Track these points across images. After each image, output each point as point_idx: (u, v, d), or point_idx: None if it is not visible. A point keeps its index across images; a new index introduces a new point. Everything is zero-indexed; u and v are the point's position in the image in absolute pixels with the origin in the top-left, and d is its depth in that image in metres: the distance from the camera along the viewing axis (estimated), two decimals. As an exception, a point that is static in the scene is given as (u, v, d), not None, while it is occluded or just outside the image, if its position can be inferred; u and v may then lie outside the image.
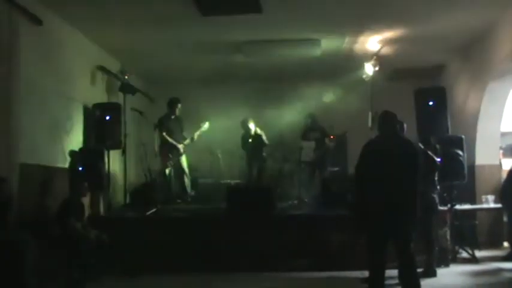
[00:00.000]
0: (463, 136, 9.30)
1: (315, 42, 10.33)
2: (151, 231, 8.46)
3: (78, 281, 7.06)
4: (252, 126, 11.36)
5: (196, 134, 10.73)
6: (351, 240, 8.00)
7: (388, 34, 9.90)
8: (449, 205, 8.73)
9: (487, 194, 9.76)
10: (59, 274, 7.05)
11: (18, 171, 7.19)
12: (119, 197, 10.52)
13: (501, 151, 11.11)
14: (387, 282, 5.90)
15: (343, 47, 10.71)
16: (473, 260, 8.60)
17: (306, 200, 10.61)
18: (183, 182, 10.77)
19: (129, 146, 10.20)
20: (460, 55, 11.18)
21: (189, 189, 10.88)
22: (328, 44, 10.43)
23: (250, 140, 11.33)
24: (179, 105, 10.76)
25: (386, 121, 6.13)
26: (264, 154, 11.47)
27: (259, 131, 11.46)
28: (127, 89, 10.16)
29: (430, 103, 9.29)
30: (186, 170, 10.82)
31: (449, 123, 9.29)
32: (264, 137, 11.46)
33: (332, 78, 11.94)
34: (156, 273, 7.84)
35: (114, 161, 9.68)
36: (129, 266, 7.88)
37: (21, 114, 7.33)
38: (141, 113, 10.24)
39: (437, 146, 8.19)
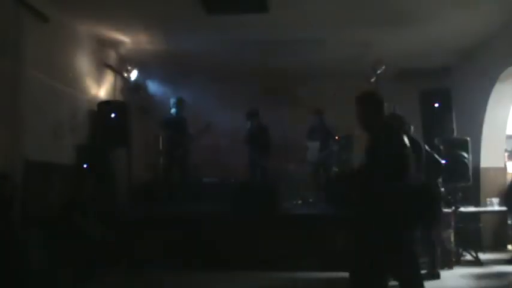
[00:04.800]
0: (468, 138, 9.27)
1: (321, 42, 10.33)
2: (155, 229, 8.47)
3: (81, 278, 7.07)
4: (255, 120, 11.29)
5: (202, 133, 10.75)
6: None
7: (394, 35, 9.88)
8: (453, 207, 8.71)
9: (491, 196, 9.72)
10: (63, 270, 7.06)
11: (23, 168, 7.20)
12: (124, 194, 10.54)
13: (506, 154, 11.08)
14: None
15: (349, 46, 10.71)
16: (477, 262, 8.57)
17: (310, 200, 10.61)
18: (187, 181, 10.77)
19: (135, 143, 10.23)
20: (466, 57, 11.15)
21: (193, 187, 10.89)
22: (334, 44, 10.43)
23: (254, 137, 11.27)
24: (183, 104, 10.77)
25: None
26: (267, 153, 11.44)
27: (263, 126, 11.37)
28: (133, 87, 10.19)
29: (436, 105, 9.27)
30: (191, 168, 10.82)
31: (454, 125, 9.27)
32: (268, 134, 11.37)
33: (337, 78, 11.92)
34: (159, 271, 7.84)
35: (119, 159, 9.70)
36: (132, 263, 7.89)
37: (26, 111, 7.35)
38: (147, 111, 10.26)
39: (441, 147, 8.18)
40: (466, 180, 8.93)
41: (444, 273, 7.66)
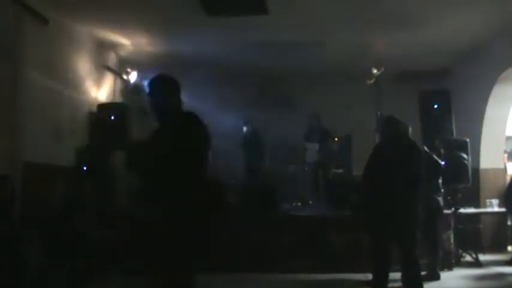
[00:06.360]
0: (467, 139, 9.27)
1: (321, 43, 10.33)
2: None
3: (80, 279, 7.07)
4: (249, 126, 11.36)
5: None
6: (355, 241, 7.99)
7: (394, 37, 9.89)
8: (453, 208, 8.71)
9: (491, 197, 9.74)
10: (61, 271, 7.06)
11: (22, 170, 7.20)
12: (123, 195, 10.52)
13: (506, 155, 11.09)
14: (390, 285, 5.90)
15: (348, 49, 10.71)
16: (476, 263, 8.56)
17: (310, 201, 10.60)
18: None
19: (134, 145, 10.23)
20: (465, 58, 11.16)
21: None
22: (333, 45, 10.44)
23: (247, 140, 11.29)
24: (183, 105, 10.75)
25: (391, 126, 6.16)
26: (261, 154, 11.43)
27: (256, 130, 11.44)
28: (133, 89, 10.19)
29: (435, 106, 9.27)
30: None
31: (454, 126, 9.27)
32: (259, 138, 11.40)
33: (337, 80, 11.93)
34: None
35: (118, 161, 9.69)
36: (131, 265, 7.87)
37: (26, 113, 7.35)
38: (146, 113, 10.24)
39: (441, 150, 8.19)
40: (466, 181, 8.92)
41: (444, 274, 7.66)
